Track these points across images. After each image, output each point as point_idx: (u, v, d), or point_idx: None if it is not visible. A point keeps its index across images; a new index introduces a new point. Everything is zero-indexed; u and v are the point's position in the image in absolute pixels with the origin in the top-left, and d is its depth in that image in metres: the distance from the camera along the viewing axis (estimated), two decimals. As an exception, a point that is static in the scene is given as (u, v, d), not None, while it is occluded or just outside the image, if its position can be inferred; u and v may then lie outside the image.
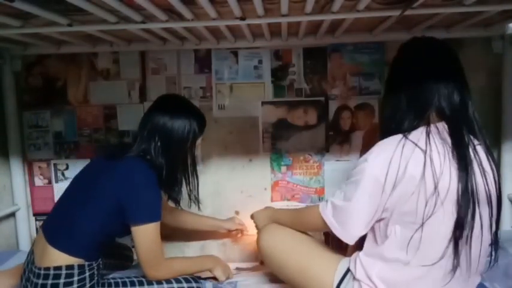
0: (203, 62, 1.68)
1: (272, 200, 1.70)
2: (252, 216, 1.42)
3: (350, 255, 1.10)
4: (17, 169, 1.69)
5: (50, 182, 1.73)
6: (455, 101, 0.96)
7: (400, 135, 0.93)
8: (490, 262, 0.99)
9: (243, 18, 1.17)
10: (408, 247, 0.92)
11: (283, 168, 1.69)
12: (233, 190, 1.72)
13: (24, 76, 1.70)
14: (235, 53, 1.66)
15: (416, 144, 0.90)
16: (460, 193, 0.88)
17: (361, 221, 0.96)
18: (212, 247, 1.73)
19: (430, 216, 0.88)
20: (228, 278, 1.39)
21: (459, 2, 1.09)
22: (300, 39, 1.54)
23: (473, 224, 0.90)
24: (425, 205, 0.88)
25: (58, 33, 1.31)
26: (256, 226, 1.39)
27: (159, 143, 1.19)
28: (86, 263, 1.11)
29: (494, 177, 0.95)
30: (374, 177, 0.92)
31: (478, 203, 0.90)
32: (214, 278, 1.38)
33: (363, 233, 0.98)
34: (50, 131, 1.72)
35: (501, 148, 1.57)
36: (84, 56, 1.67)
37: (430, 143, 0.89)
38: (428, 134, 0.91)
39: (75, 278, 1.09)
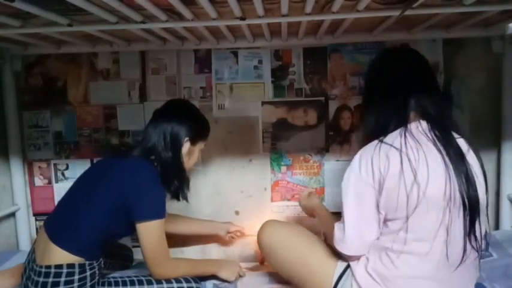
0: (203, 62, 1.68)
1: (272, 200, 1.71)
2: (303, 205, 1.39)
3: None
4: (17, 169, 1.69)
5: (50, 182, 1.73)
6: (431, 101, 1.03)
7: (376, 141, 1.00)
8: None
9: (243, 18, 1.17)
10: (396, 240, 0.96)
11: (283, 168, 1.69)
12: (233, 190, 1.72)
13: (24, 76, 1.70)
14: (235, 53, 1.66)
15: (391, 145, 0.96)
16: (445, 182, 0.93)
17: (371, 225, 1.00)
18: (212, 247, 1.73)
19: (415, 209, 0.92)
20: (238, 277, 1.37)
21: (459, 2, 1.09)
22: (300, 39, 1.54)
23: (459, 212, 0.93)
24: (407, 199, 0.92)
25: (58, 33, 1.31)
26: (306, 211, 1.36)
27: (164, 144, 1.24)
28: (87, 262, 1.12)
29: (478, 161, 1.00)
30: (362, 180, 0.98)
31: (466, 188, 0.94)
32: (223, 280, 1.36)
33: (375, 236, 1.01)
34: (50, 131, 1.72)
35: (501, 148, 1.57)
36: (84, 56, 1.67)
37: (405, 142, 0.96)
38: (403, 134, 0.98)
39: (76, 277, 1.09)
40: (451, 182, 0.93)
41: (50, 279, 1.08)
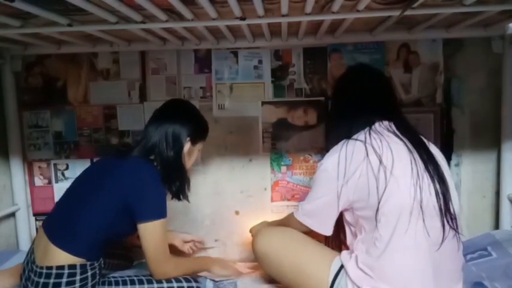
0: (203, 62, 1.68)
1: (272, 200, 1.71)
2: (250, 231, 1.49)
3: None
4: (17, 169, 1.69)
5: (50, 182, 1.73)
6: (390, 105, 1.19)
7: (343, 140, 1.11)
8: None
9: (243, 18, 1.17)
10: (378, 226, 1.01)
11: (283, 168, 1.69)
12: (233, 190, 1.72)
13: (24, 76, 1.70)
14: (235, 53, 1.66)
15: (356, 139, 1.09)
16: (411, 161, 1.03)
17: (329, 212, 1.12)
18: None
19: (385, 189, 1.00)
20: (229, 274, 1.40)
21: (459, 2, 1.09)
22: (300, 39, 1.54)
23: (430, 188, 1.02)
24: (376, 181, 1.01)
25: (58, 33, 1.31)
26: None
27: (166, 144, 1.24)
28: (88, 263, 1.12)
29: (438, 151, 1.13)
30: (327, 174, 1.10)
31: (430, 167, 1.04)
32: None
33: (333, 222, 1.14)
34: (50, 131, 1.72)
35: (501, 148, 1.57)
36: (84, 56, 1.67)
37: (369, 136, 1.08)
38: (367, 131, 1.09)
39: (78, 278, 1.09)
40: (417, 162, 1.02)
41: (52, 280, 1.08)
